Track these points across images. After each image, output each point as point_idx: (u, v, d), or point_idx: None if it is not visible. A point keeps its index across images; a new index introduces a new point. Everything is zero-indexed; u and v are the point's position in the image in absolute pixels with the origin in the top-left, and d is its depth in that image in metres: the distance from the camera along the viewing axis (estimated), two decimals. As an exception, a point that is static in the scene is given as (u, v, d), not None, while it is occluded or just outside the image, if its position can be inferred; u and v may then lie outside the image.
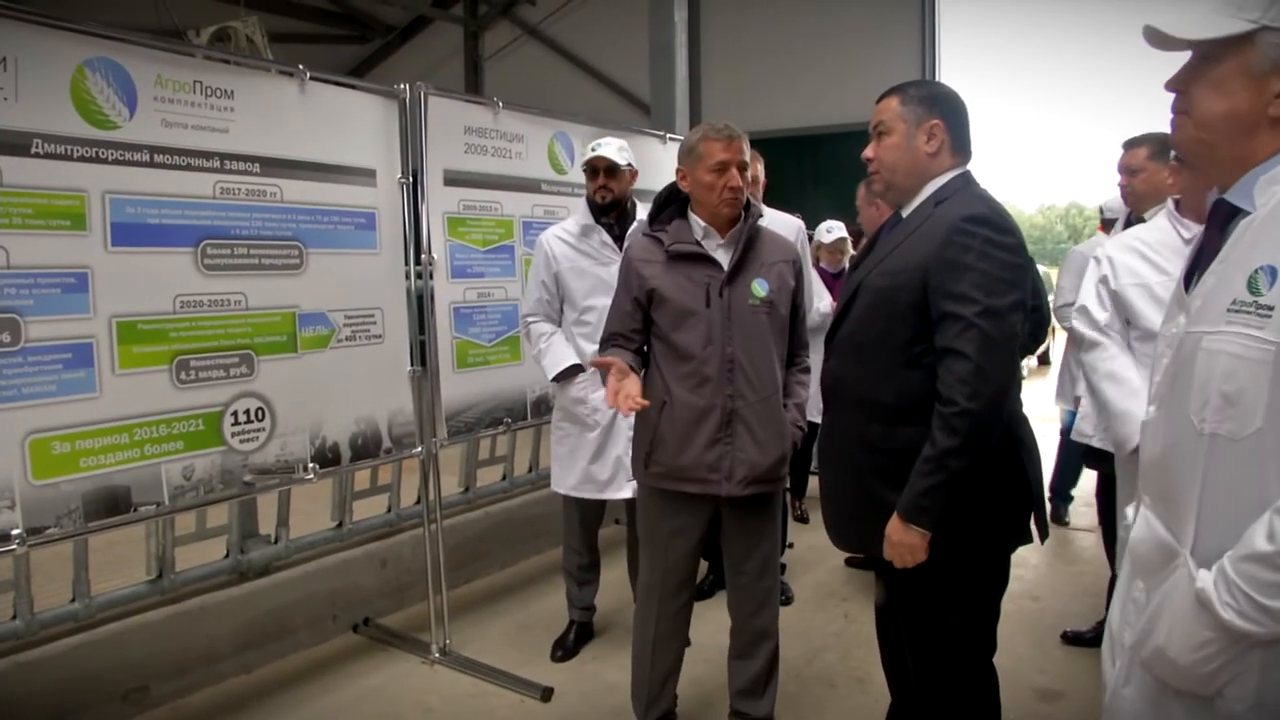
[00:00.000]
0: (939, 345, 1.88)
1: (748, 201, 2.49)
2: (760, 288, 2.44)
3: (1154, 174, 3.11)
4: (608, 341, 2.56)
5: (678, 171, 2.50)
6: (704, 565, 3.83)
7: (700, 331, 2.42)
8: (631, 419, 3.15)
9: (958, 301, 1.84)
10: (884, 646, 2.36)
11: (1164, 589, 1.34)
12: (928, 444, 1.86)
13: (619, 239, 3.22)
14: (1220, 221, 1.33)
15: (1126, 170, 3.20)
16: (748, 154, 2.46)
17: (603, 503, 3.37)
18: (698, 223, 2.48)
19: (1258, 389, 1.20)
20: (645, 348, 2.56)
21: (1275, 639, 1.21)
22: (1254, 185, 1.28)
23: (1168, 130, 1.42)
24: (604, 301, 3.17)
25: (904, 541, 1.90)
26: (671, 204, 2.54)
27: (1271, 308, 1.19)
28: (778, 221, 3.44)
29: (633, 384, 2.25)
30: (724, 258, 2.45)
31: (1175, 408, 1.34)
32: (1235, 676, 1.25)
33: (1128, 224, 3.31)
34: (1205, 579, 1.25)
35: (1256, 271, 1.22)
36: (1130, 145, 3.20)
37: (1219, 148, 1.33)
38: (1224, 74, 1.29)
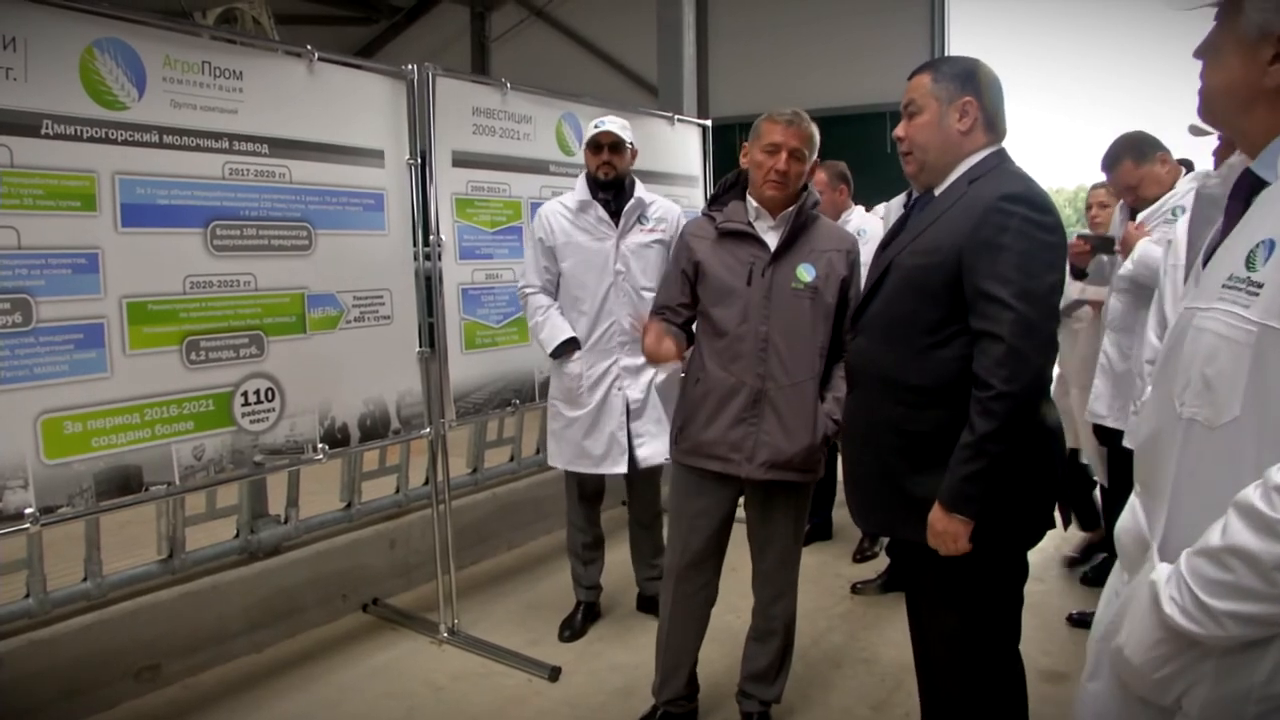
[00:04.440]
0: (975, 327, 1.83)
1: (805, 187, 2.47)
2: (806, 272, 2.42)
3: (1149, 175, 3.07)
4: (656, 314, 2.61)
5: (741, 148, 2.51)
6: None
7: (738, 309, 2.42)
8: (625, 396, 3.19)
9: (994, 282, 1.78)
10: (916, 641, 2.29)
11: (1135, 583, 1.26)
12: (966, 430, 1.81)
13: (615, 215, 3.20)
14: (1245, 193, 1.21)
15: (1125, 189, 3.15)
16: (813, 145, 2.43)
17: (601, 477, 3.39)
18: (752, 204, 2.48)
19: (1236, 374, 1.09)
20: (694, 324, 2.59)
21: (1223, 646, 1.11)
22: (1278, 154, 1.16)
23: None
24: (596, 278, 3.18)
25: (947, 530, 1.84)
26: (736, 187, 2.55)
27: (1261, 285, 1.08)
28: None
29: (670, 344, 2.42)
30: (772, 239, 2.45)
31: (1163, 388, 1.25)
32: (1189, 687, 1.15)
33: (1132, 215, 3.27)
34: (1161, 572, 1.16)
35: (1257, 246, 1.11)
36: (1111, 166, 3.14)
37: (1229, 121, 1.24)
38: (1221, 42, 1.20)
